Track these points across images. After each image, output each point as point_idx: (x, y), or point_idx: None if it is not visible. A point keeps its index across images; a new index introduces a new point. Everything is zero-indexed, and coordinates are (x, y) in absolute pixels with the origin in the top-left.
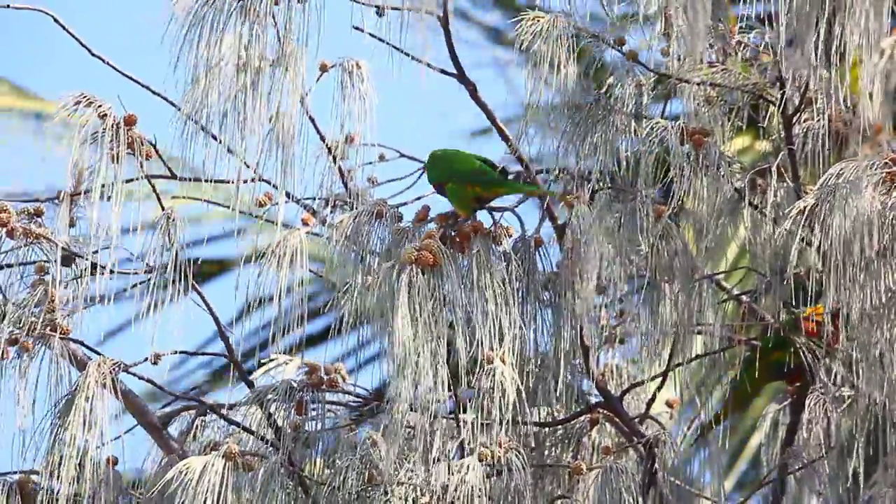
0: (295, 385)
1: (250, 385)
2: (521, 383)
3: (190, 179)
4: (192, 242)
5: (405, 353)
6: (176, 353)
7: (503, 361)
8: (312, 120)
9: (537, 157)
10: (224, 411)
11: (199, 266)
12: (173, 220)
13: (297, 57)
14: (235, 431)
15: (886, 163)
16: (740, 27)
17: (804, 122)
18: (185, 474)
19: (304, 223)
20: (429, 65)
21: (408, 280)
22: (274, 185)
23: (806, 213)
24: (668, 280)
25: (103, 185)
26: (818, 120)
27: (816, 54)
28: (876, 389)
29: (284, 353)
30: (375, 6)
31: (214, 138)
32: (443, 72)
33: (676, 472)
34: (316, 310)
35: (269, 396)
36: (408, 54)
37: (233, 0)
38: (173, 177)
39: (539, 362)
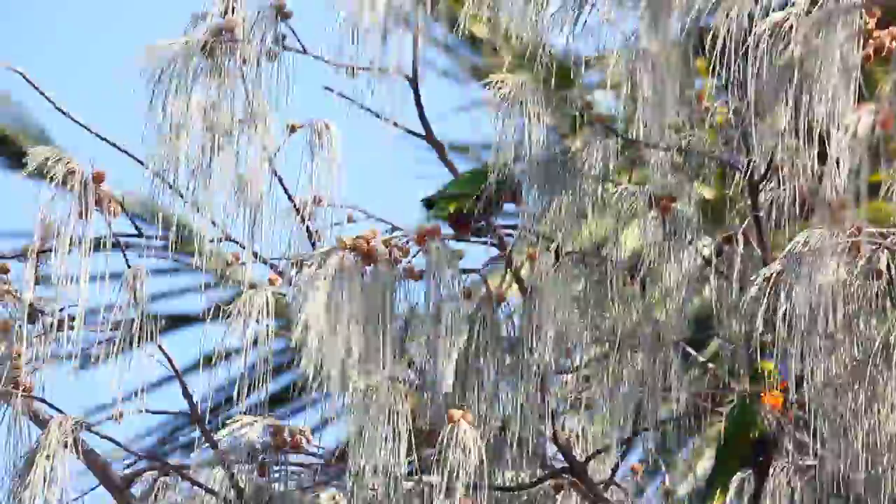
0: (258, 447)
1: (214, 445)
2: (485, 445)
3: (156, 237)
4: (159, 295)
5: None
6: (140, 411)
7: (467, 421)
8: (280, 180)
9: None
10: (187, 472)
11: (165, 322)
12: (139, 276)
13: (266, 116)
14: (198, 493)
15: (851, 232)
16: (708, 94)
17: (770, 189)
18: None
19: (271, 283)
20: (396, 124)
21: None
22: (241, 245)
23: (772, 280)
24: (634, 345)
25: (70, 242)
26: (784, 188)
27: (784, 123)
28: (839, 459)
29: (250, 410)
30: (346, 67)
31: (181, 196)
32: (411, 132)
33: None
34: (281, 366)
35: (233, 458)
36: (378, 115)
37: (201, 58)
38: (140, 235)
39: (503, 425)
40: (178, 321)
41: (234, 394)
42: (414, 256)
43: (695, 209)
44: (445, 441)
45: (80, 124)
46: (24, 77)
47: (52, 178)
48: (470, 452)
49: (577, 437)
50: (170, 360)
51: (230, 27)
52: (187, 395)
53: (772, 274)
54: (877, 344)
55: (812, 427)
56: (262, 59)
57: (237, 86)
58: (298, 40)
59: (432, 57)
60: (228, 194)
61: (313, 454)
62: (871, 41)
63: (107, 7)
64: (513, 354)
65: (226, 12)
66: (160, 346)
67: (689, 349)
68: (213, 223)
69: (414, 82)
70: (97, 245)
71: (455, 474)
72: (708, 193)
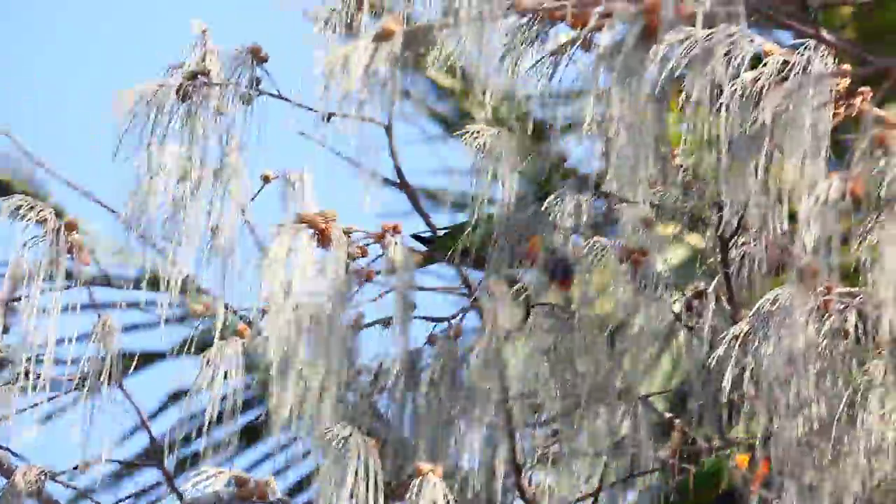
0: (224, 498)
1: (180, 497)
2: (454, 499)
3: (127, 288)
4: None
5: None
6: (106, 461)
7: (437, 475)
8: (253, 230)
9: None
10: None
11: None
12: (108, 328)
13: (239, 166)
14: None
15: (822, 290)
16: (681, 150)
17: (741, 245)
18: None
19: (240, 335)
20: (372, 174)
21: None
22: (212, 296)
23: (740, 338)
24: (603, 400)
25: (41, 292)
26: (755, 245)
27: (754, 183)
28: None
29: (217, 462)
30: (322, 114)
31: (154, 247)
32: (385, 181)
33: None
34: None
35: None
36: (353, 162)
37: (175, 103)
38: (109, 284)
39: (468, 479)
40: (151, 358)
41: (201, 449)
42: (373, 261)
43: (665, 264)
44: (414, 494)
45: (57, 175)
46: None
47: (24, 225)
48: None
49: (544, 491)
50: (136, 407)
51: (205, 71)
52: (154, 446)
53: (740, 332)
54: (843, 403)
55: (778, 485)
56: (238, 103)
57: (211, 132)
58: (275, 85)
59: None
60: (200, 244)
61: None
62: (842, 105)
63: (106, 7)
64: (477, 406)
65: (203, 59)
66: (123, 390)
67: (655, 406)
68: (184, 274)
69: (389, 131)
70: (68, 292)
71: None
72: (681, 251)
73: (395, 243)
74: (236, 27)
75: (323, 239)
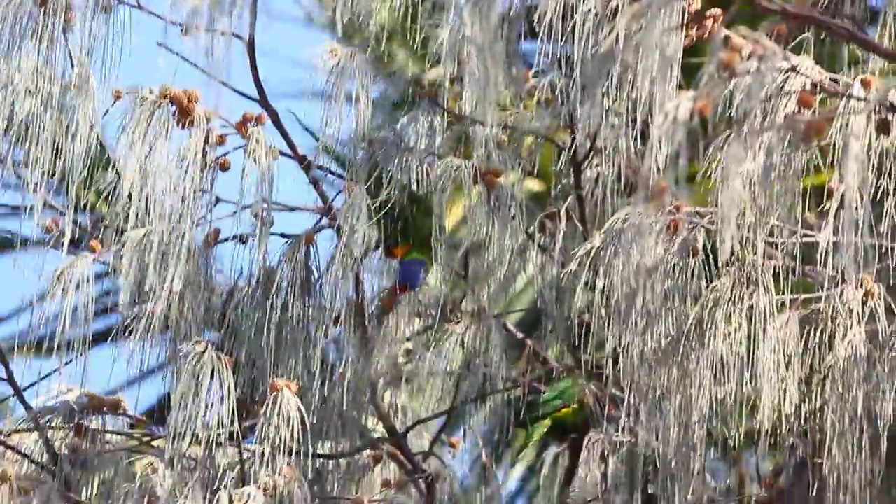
0: (75, 407)
1: (28, 406)
2: (308, 414)
3: None
4: None
5: None
6: None
7: (290, 389)
8: (104, 147)
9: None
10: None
11: None
12: None
13: (91, 82)
14: (11, 456)
15: (670, 210)
16: (535, 71)
17: (594, 167)
18: None
19: (92, 250)
20: (234, 89)
21: None
22: (61, 212)
23: (591, 255)
24: (456, 319)
25: None
26: (607, 166)
27: (607, 103)
28: (652, 434)
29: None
30: (180, 24)
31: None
32: (245, 96)
33: None
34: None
35: (48, 418)
36: (211, 76)
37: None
38: None
39: (324, 397)
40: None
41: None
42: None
43: (518, 185)
44: (269, 409)
45: None
46: None
47: None
48: (292, 420)
49: (398, 409)
50: None
51: None
52: (2, 358)
53: (591, 249)
54: (690, 320)
55: (627, 402)
56: (97, 12)
57: (64, 44)
58: None
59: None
60: (51, 160)
61: (131, 416)
62: (693, 26)
63: None
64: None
65: None
66: None
67: (509, 325)
68: (33, 189)
69: (250, 46)
70: None
71: (277, 442)
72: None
73: (257, 133)
74: None
75: (183, 116)
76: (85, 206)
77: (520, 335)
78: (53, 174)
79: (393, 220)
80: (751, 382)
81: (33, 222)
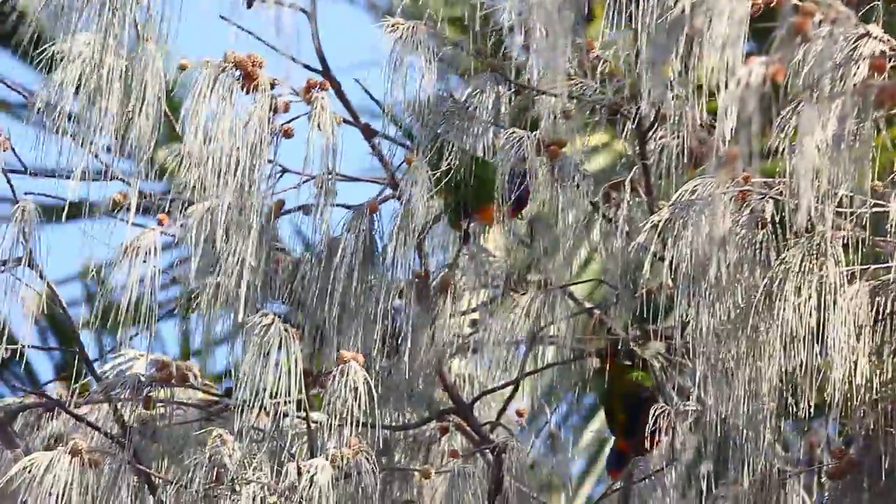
0: (143, 379)
1: (98, 378)
2: (374, 386)
3: (43, 175)
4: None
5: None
6: (25, 347)
7: (357, 361)
8: (169, 118)
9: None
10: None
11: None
12: (27, 213)
13: (156, 54)
14: (81, 427)
15: (739, 181)
16: (600, 42)
17: (660, 138)
18: (30, 470)
19: (160, 223)
20: (294, 59)
21: None
22: (127, 183)
23: (660, 227)
24: (521, 290)
25: None
26: (673, 137)
27: (674, 73)
28: (721, 405)
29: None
30: None
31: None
32: (308, 67)
33: (522, 479)
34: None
35: (117, 390)
36: (275, 49)
37: None
38: (26, 171)
39: (390, 368)
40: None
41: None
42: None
43: (583, 156)
44: (335, 380)
45: None
46: None
47: None
48: (359, 392)
49: (464, 380)
50: (54, 292)
51: None
52: (74, 331)
53: (660, 220)
54: (760, 292)
55: (695, 373)
56: None
57: (126, 21)
58: None
59: None
60: (117, 133)
61: (200, 388)
62: None
63: None
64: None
65: None
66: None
67: (575, 295)
68: (101, 162)
69: (313, 17)
70: None
71: (344, 413)
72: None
73: (322, 100)
74: None
75: (248, 82)
76: (155, 175)
77: (587, 305)
78: (122, 145)
79: (455, 190)
80: (821, 354)
81: (100, 192)
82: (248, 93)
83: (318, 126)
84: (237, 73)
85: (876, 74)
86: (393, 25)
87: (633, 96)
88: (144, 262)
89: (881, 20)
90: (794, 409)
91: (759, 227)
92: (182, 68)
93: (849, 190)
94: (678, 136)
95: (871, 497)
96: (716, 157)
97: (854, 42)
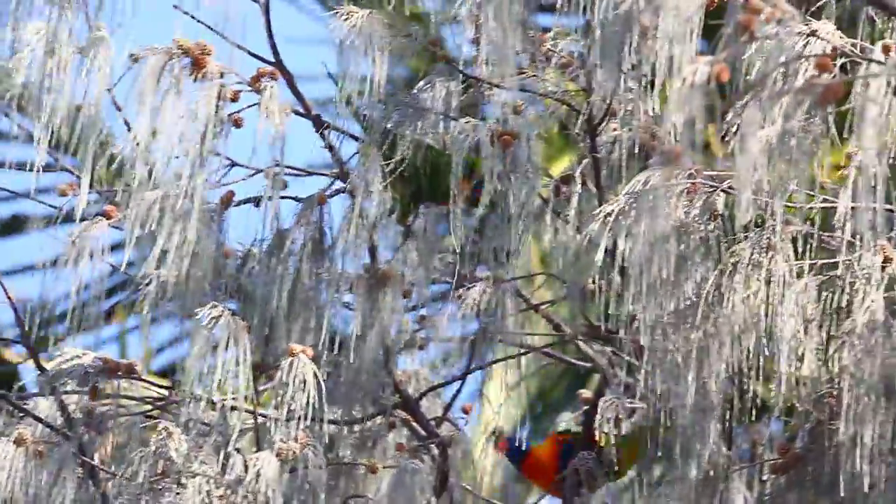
0: (90, 371)
1: (42, 370)
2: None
3: None
4: None
5: None
6: None
7: (306, 354)
8: (119, 109)
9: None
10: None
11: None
12: None
13: (106, 45)
14: (26, 419)
15: (691, 173)
16: (552, 35)
17: (612, 131)
18: None
19: (107, 216)
20: (249, 52)
21: None
22: (77, 175)
23: (612, 217)
24: (472, 286)
25: None
26: (624, 130)
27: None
28: (668, 398)
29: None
30: None
31: (19, 127)
32: (261, 59)
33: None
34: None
35: (63, 381)
36: (227, 38)
37: None
38: None
39: (337, 362)
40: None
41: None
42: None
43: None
44: (285, 374)
45: None
46: None
47: None
48: (308, 386)
49: (412, 376)
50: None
51: None
52: (19, 321)
53: (611, 211)
54: (709, 285)
55: (642, 368)
56: None
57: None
58: None
59: None
60: (64, 124)
61: (147, 381)
62: None
63: None
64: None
65: None
66: None
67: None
68: (49, 153)
69: (266, 8)
70: None
71: (292, 406)
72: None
73: (271, 88)
74: None
75: (197, 68)
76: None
77: (533, 302)
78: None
79: (407, 181)
80: (768, 348)
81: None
82: (196, 80)
83: (268, 115)
84: (185, 60)
85: (821, 73)
86: (348, 13)
87: (584, 90)
88: (91, 256)
89: (833, 16)
90: (741, 404)
91: (712, 219)
92: (134, 59)
93: (798, 186)
94: (630, 130)
95: (815, 492)
96: (660, 153)
97: (803, 40)
